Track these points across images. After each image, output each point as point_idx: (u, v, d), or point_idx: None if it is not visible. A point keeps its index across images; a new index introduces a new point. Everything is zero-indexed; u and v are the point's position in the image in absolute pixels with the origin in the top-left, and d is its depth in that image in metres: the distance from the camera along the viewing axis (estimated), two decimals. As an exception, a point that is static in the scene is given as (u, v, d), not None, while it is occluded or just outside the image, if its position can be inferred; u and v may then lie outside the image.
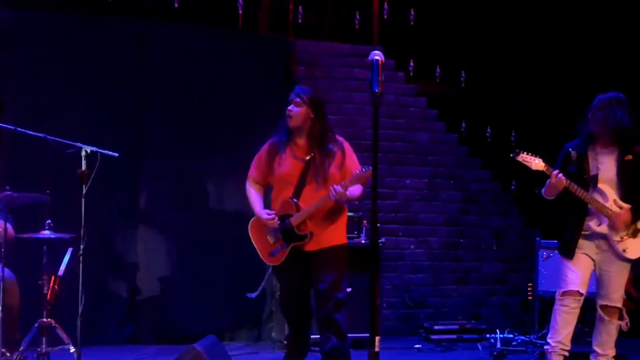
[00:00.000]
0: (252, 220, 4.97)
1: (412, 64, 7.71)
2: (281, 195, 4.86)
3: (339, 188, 4.62)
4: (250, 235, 4.95)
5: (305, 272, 4.87)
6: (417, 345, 6.68)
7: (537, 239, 7.08)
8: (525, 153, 5.11)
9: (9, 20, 6.30)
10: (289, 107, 4.83)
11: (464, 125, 7.80)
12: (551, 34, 8.05)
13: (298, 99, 4.81)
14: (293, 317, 5.04)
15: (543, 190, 5.23)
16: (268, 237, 4.86)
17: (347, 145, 4.89)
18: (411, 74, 7.75)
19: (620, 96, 5.22)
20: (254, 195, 4.96)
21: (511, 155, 5.12)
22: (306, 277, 4.88)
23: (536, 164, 5.10)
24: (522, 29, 8.03)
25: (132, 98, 6.64)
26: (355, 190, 4.79)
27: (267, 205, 4.96)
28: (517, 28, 8.03)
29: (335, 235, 4.88)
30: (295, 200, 4.78)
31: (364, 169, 4.60)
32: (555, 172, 5.08)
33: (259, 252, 4.92)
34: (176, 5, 6.92)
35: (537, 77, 8.07)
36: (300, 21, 7.42)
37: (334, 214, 4.84)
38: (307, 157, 4.78)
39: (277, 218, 4.81)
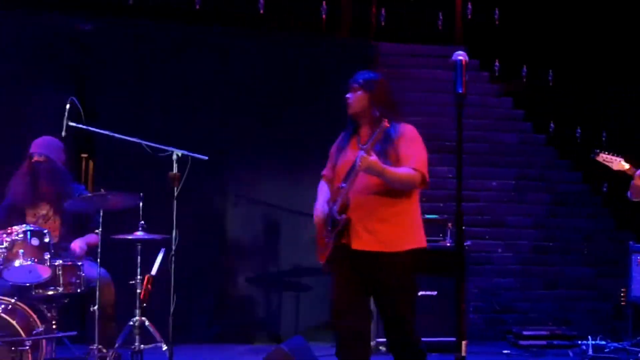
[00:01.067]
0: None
1: (497, 63, 7.62)
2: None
3: (362, 152, 3.96)
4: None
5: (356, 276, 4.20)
6: (505, 351, 6.58)
7: (631, 242, 6.87)
8: (605, 153, 4.97)
9: (99, 28, 6.55)
10: (347, 95, 4.40)
11: (552, 125, 7.66)
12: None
13: (355, 84, 4.35)
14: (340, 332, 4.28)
15: (629, 192, 5.07)
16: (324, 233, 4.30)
17: (408, 130, 4.22)
18: (496, 73, 7.66)
19: None
20: (320, 191, 4.42)
21: (590, 155, 5.00)
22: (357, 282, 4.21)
23: (618, 163, 4.96)
24: (612, 26, 7.83)
25: (218, 104, 6.80)
26: (400, 170, 4.06)
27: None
28: (607, 25, 7.83)
29: (394, 237, 4.15)
30: (344, 184, 4.13)
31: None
32: (639, 172, 4.93)
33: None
34: (261, 11, 7.04)
35: (628, 75, 7.85)
36: (382, 24, 7.43)
37: (390, 208, 4.13)
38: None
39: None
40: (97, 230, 4.95)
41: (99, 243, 4.91)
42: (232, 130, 6.83)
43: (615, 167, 4.99)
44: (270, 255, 6.80)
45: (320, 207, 4.31)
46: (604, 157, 4.99)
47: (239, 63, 6.85)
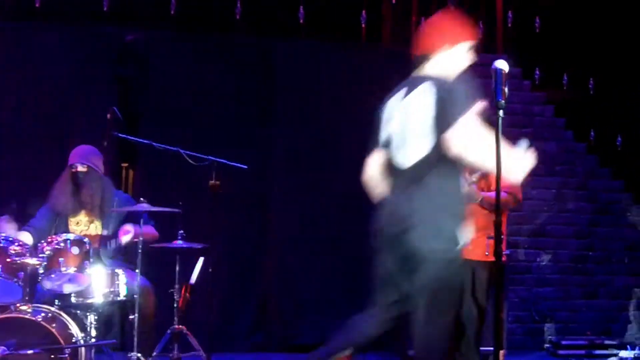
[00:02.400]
0: None
1: (537, 72, 7.55)
2: None
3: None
4: None
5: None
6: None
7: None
8: None
9: (142, 40, 6.64)
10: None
11: (593, 133, 7.56)
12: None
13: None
14: None
15: None
16: None
17: None
18: (537, 82, 7.59)
19: None
20: None
21: None
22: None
23: None
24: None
25: (259, 113, 6.83)
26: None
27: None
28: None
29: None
30: None
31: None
32: None
33: None
34: (301, 21, 7.07)
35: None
36: (423, 32, 7.41)
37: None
38: None
39: None
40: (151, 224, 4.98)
41: (140, 249, 4.93)
42: (273, 139, 6.85)
43: None
44: (313, 265, 6.78)
45: None
46: None
47: (281, 72, 6.87)
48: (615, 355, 6.57)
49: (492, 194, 4.40)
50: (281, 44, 6.93)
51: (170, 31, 6.75)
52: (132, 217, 5.15)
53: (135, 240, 4.99)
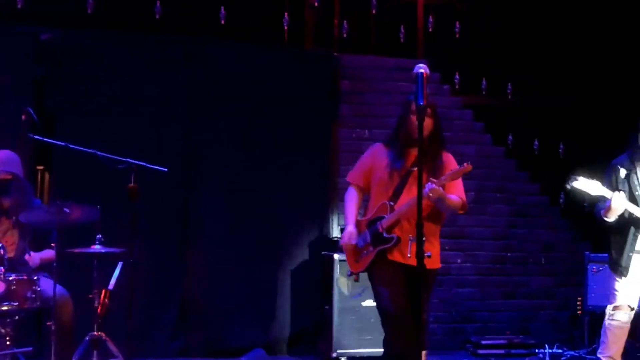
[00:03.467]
0: None
1: (457, 76, 7.69)
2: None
3: (431, 185, 4.27)
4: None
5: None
6: (463, 360, 6.64)
7: (587, 252, 6.98)
8: (581, 178, 5.04)
9: (58, 39, 6.46)
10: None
11: (511, 138, 7.75)
12: (601, 45, 7.95)
13: (429, 109, 4.45)
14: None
15: (602, 211, 5.14)
16: (357, 242, 4.60)
17: (452, 159, 4.63)
18: (457, 86, 7.73)
19: None
20: (349, 201, 4.76)
21: (567, 184, 5.07)
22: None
23: (596, 188, 5.04)
24: (571, 40, 7.95)
25: (181, 114, 6.73)
26: (453, 198, 4.47)
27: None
28: (566, 38, 7.96)
29: (435, 255, 4.55)
30: (391, 202, 4.50)
31: (464, 165, 4.32)
32: (616, 193, 5.02)
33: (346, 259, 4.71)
34: (222, 22, 7.01)
35: (584, 87, 7.97)
36: (344, 36, 7.45)
37: (434, 228, 4.55)
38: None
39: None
40: (52, 245, 4.86)
41: (55, 258, 4.82)
42: (195, 142, 6.77)
43: (594, 192, 5.06)
44: (234, 268, 6.74)
45: (348, 235, 4.57)
46: (582, 184, 5.05)
47: (203, 74, 6.80)
48: (534, 354, 6.74)
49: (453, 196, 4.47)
50: (201, 44, 6.84)
51: (88, 30, 6.59)
52: (45, 231, 5.07)
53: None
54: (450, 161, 4.58)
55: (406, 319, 4.23)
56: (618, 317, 5.17)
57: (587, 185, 5.03)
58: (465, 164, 4.31)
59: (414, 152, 4.43)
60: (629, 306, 5.16)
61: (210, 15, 7.00)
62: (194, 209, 6.72)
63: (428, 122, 4.40)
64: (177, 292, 6.65)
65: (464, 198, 4.56)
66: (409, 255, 4.33)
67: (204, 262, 6.70)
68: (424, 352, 3.58)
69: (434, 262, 4.49)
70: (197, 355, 6.56)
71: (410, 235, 4.34)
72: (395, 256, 4.42)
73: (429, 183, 4.26)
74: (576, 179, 5.04)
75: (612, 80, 7.92)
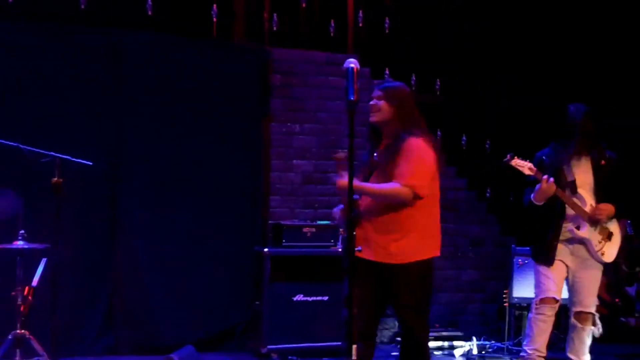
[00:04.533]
0: None
1: (387, 72, 7.73)
2: None
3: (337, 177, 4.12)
4: None
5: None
6: (393, 353, 6.69)
7: (512, 246, 7.13)
8: (518, 158, 5.13)
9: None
10: (371, 102, 4.37)
11: (439, 133, 7.83)
12: (526, 36, 8.10)
13: (379, 93, 4.33)
14: None
15: (532, 195, 5.22)
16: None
17: (409, 145, 4.24)
18: (386, 82, 7.77)
19: (589, 107, 5.32)
20: None
21: (504, 160, 5.14)
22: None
23: (529, 168, 5.14)
24: (498, 34, 8.08)
25: (108, 108, 6.58)
26: (384, 186, 4.19)
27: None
28: (493, 32, 8.08)
29: (400, 251, 4.27)
30: (357, 196, 4.19)
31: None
32: (546, 177, 5.12)
33: None
34: (149, 13, 6.88)
35: (512, 84, 8.12)
36: (275, 29, 7.41)
37: (395, 221, 4.25)
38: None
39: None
40: None
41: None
42: (122, 136, 6.63)
43: (526, 171, 5.15)
44: (164, 264, 6.64)
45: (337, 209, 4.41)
46: (517, 162, 5.13)
47: (131, 67, 6.65)
48: (462, 346, 6.86)
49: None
50: (127, 36, 6.69)
51: (9, 21, 6.37)
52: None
53: None
54: (406, 147, 4.23)
55: (360, 317, 3.95)
56: (543, 311, 5.28)
57: (521, 164, 5.13)
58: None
59: (383, 143, 4.36)
60: (554, 299, 5.27)
61: (136, 7, 6.85)
62: (122, 203, 6.58)
63: (382, 106, 4.29)
64: (105, 289, 6.51)
65: (412, 183, 4.18)
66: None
67: (132, 257, 6.57)
68: (354, 346, 3.58)
69: (402, 256, 4.25)
70: (126, 353, 6.44)
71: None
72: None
73: (337, 176, 4.11)
74: (513, 157, 5.12)
75: (534, 74, 8.09)
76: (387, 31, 7.86)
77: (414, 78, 7.85)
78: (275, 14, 7.43)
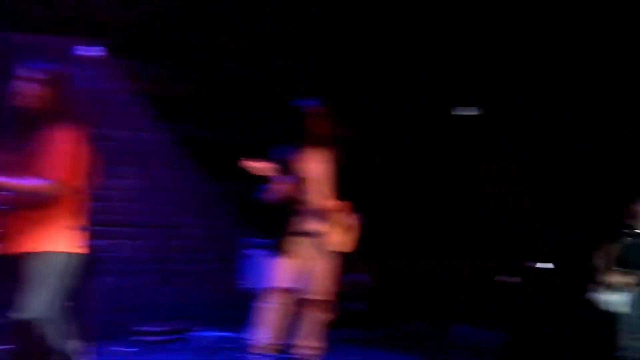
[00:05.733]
0: None
1: (136, 62, 7.50)
2: None
3: None
4: None
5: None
6: (124, 349, 6.56)
7: (245, 237, 7.29)
8: (250, 158, 5.24)
9: None
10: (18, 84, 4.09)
11: (180, 126, 7.81)
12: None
13: (32, 75, 4.07)
14: None
15: (267, 190, 5.38)
16: None
17: (55, 137, 4.03)
18: (132, 73, 7.54)
19: (320, 104, 5.60)
20: None
21: (238, 162, 5.23)
22: None
23: (261, 166, 5.26)
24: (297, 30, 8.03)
25: None
26: (24, 182, 3.94)
27: None
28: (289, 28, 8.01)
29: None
30: None
31: None
32: (279, 174, 5.28)
33: None
34: None
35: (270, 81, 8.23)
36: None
37: (36, 213, 4.02)
38: None
39: None
40: None
41: None
42: None
43: (258, 170, 5.25)
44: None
45: None
46: (249, 163, 5.21)
47: None
48: (196, 338, 6.91)
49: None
50: None
51: None
52: None
53: None
54: (52, 139, 4.00)
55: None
56: (276, 300, 5.46)
57: (254, 164, 5.25)
58: None
59: (33, 130, 4.05)
60: (287, 288, 5.47)
61: None
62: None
63: (36, 90, 4.03)
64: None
65: (55, 178, 3.96)
66: None
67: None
68: (85, 343, 3.48)
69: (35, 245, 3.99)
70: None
71: None
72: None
73: None
74: (250, 158, 5.24)
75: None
76: (139, 19, 7.51)
77: (162, 71, 7.69)
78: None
